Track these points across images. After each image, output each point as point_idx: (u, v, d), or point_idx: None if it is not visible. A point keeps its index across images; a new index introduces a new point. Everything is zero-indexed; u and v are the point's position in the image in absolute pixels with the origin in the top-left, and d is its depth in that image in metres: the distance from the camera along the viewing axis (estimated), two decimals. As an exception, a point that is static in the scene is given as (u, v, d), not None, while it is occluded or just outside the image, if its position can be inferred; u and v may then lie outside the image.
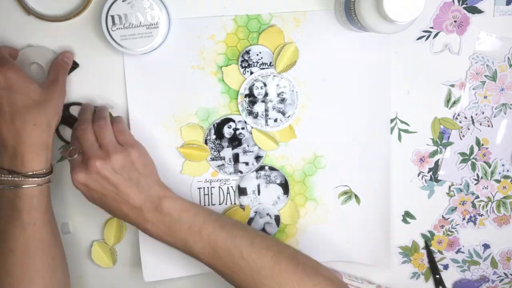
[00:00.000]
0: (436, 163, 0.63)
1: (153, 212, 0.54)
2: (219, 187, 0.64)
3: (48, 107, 0.54)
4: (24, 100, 0.52)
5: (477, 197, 0.64)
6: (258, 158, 0.63)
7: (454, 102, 0.62)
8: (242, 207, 0.64)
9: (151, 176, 0.57)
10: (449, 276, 0.67)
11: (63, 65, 0.58)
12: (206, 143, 0.63)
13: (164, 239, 0.55)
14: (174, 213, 0.54)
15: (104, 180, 0.53)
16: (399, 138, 0.63)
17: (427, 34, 0.60)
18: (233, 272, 0.53)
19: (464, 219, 0.65)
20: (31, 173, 0.53)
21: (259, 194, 0.64)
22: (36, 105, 0.53)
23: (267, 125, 0.62)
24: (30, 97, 0.53)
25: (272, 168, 0.63)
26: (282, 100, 0.61)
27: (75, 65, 0.60)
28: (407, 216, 0.65)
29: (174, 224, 0.54)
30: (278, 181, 0.64)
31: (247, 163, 0.63)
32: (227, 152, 0.63)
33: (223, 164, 0.63)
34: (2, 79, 0.51)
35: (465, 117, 0.62)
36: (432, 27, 0.60)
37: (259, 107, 0.61)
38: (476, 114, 0.62)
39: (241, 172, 0.63)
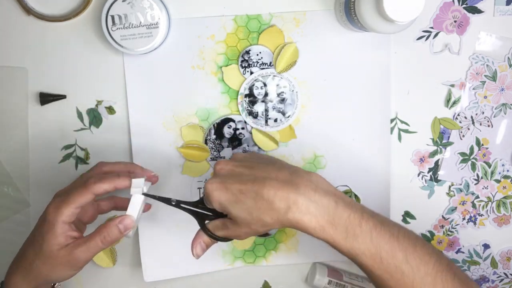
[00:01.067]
0: (436, 163, 0.63)
1: (305, 187, 0.46)
2: (219, 187, 0.64)
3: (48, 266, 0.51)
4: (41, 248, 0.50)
5: (477, 197, 0.64)
6: (258, 158, 0.63)
7: (454, 102, 0.62)
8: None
9: (285, 163, 0.52)
10: (449, 276, 0.66)
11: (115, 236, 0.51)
12: (206, 143, 0.63)
13: (323, 229, 0.46)
14: (330, 194, 0.47)
15: (235, 170, 0.49)
16: (399, 138, 0.63)
17: (427, 34, 0.60)
18: (391, 277, 0.46)
19: (464, 219, 0.65)
20: None
21: (259, 194, 0.64)
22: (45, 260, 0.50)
23: (267, 125, 0.62)
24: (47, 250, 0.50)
25: (272, 168, 0.63)
26: (282, 100, 0.61)
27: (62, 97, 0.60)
28: (407, 216, 0.65)
29: (332, 210, 0.46)
30: (278, 181, 0.64)
31: (247, 163, 0.63)
32: (227, 152, 0.63)
33: (223, 164, 0.63)
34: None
35: (465, 117, 0.62)
36: (432, 27, 0.60)
37: (259, 107, 0.61)
38: (476, 114, 0.62)
39: (241, 172, 0.63)
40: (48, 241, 0.50)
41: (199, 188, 0.64)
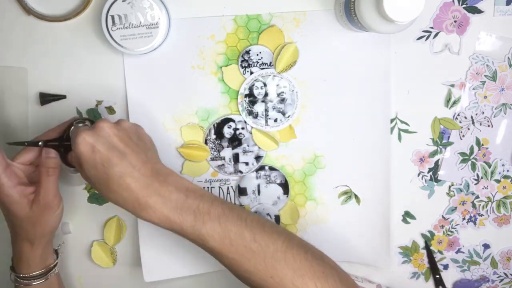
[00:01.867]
0: (436, 163, 0.63)
1: (160, 186, 0.49)
2: (219, 187, 0.64)
3: (36, 226, 0.55)
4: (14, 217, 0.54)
5: (477, 197, 0.64)
6: (258, 158, 0.63)
7: (454, 102, 0.62)
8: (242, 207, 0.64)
9: (156, 154, 0.54)
10: (449, 276, 0.66)
11: (46, 170, 0.54)
12: (206, 143, 0.63)
13: (170, 220, 0.49)
14: (181, 190, 0.50)
15: (112, 138, 0.49)
16: (399, 138, 0.63)
17: (427, 34, 0.60)
18: (243, 257, 0.49)
19: (464, 219, 0.65)
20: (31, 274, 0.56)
21: (259, 194, 0.64)
22: (26, 223, 0.54)
23: (267, 125, 0.62)
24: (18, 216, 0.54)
25: (272, 168, 0.63)
26: (282, 100, 0.61)
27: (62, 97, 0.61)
28: (407, 216, 0.65)
29: (181, 202, 0.49)
30: (278, 181, 0.64)
31: (247, 163, 0.63)
32: (227, 152, 0.63)
33: (223, 164, 0.63)
34: None
35: (465, 117, 0.62)
36: (432, 27, 0.60)
37: (259, 107, 0.61)
38: (476, 114, 0.62)
39: (241, 172, 0.63)
40: (18, 211, 0.53)
41: (199, 188, 0.64)
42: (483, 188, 0.64)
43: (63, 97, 0.62)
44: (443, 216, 0.65)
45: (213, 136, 0.62)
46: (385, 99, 0.61)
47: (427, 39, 0.60)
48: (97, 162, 0.48)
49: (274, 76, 0.61)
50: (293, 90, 0.61)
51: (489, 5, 0.59)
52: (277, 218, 0.64)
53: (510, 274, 0.67)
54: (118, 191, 0.49)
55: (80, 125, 0.55)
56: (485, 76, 0.61)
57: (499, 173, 0.64)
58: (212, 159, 0.63)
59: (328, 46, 0.60)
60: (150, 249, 0.64)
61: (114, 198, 0.49)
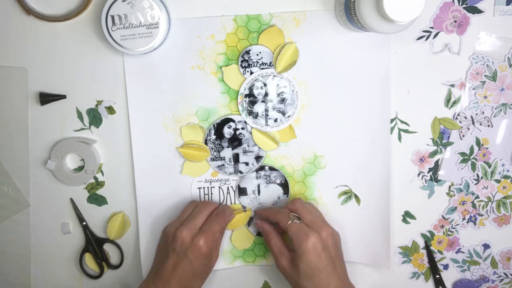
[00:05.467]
0: (436, 163, 0.63)
1: None
2: (219, 187, 0.64)
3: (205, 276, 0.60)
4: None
5: (477, 197, 0.64)
6: (258, 158, 0.63)
7: (454, 102, 0.62)
8: (244, 209, 0.64)
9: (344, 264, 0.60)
10: (449, 276, 0.67)
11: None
12: (206, 143, 0.63)
13: None
14: None
15: (331, 250, 0.56)
16: (399, 138, 0.63)
17: (427, 34, 0.60)
18: None
19: (464, 219, 0.65)
20: None
21: (259, 194, 0.64)
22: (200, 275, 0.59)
23: (267, 125, 0.62)
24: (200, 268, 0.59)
25: (272, 168, 0.63)
26: (282, 100, 0.61)
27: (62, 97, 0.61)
28: (407, 216, 0.65)
29: None
30: (278, 181, 0.64)
31: (247, 163, 0.63)
32: (227, 152, 0.63)
33: (223, 164, 0.63)
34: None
35: (465, 117, 0.62)
36: (432, 27, 0.60)
37: (259, 107, 0.61)
38: (476, 114, 0.62)
39: (241, 172, 0.63)
40: (207, 267, 0.60)
41: (199, 188, 0.64)
42: (483, 188, 0.64)
43: (63, 97, 0.62)
44: (443, 216, 0.65)
45: (213, 136, 0.62)
46: (385, 99, 0.61)
47: (427, 39, 0.60)
48: (317, 267, 0.55)
49: (274, 76, 0.61)
50: (293, 90, 0.61)
51: (489, 5, 0.59)
52: (277, 218, 0.64)
53: (510, 274, 0.67)
54: None
55: (298, 221, 0.57)
56: (485, 76, 0.61)
57: (499, 173, 0.64)
58: (212, 159, 0.63)
59: (328, 46, 0.60)
60: (150, 249, 0.64)
61: None
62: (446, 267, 0.66)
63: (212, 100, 0.62)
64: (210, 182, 0.64)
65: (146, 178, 0.63)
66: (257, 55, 0.60)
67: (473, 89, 0.61)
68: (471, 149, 0.63)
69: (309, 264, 0.55)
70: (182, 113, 0.62)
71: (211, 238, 0.58)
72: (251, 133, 0.62)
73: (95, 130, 0.63)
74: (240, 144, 0.63)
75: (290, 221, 0.57)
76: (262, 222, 0.62)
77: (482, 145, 0.63)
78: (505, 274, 0.67)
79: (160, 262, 0.58)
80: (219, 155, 0.63)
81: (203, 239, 0.57)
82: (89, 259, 0.65)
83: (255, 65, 0.60)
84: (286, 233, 0.58)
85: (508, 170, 0.64)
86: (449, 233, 0.65)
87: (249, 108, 0.62)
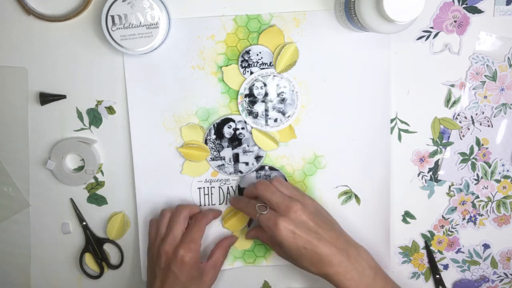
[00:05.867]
0: (436, 163, 0.63)
1: (355, 260, 0.55)
2: (219, 187, 0.64)
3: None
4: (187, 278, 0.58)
5: (477, 197, 0.64)
6: (258, 158, 0.63)
7: (454, 102, 0.62)
8: None
9: (337, 222, 0.59)
10: (449, 276, 0.66)
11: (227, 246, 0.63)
12: (206, 143, 0.63)
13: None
14: (372, 267, 0.56)
15: (308, 223, 0.55)
16: (399, 138, 0.63)
17: (427, 34, 0.60)
18: None
19: (464, 219, 0.65)
20: None
21: (259, 194, 0.64)
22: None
23: (267, 125, 0.62)
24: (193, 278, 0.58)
25: (272, 168, 0.63)
26: (282, 100, 0.61)
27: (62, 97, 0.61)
28: (407, 216, 0.65)
29: (371, 279, 0.55)
30: (278, 181, 0.64)
31: (247, 163, 0.63)
32: (227, 152, 0.63)
33: (223, 164, 0.63)
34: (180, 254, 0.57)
35: (465, 117, 0.62)
36: (432, 27, 0.60)
37: (259, 107, 0.61)
38: (476, 114, 0.62)
39: (241, 172, 0.63)
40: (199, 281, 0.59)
41: (199, 188, 0.64)
42: (483, 188, 0.64)
43: (63, 97, 0.62)
44: (443, 216, 0.65)
45: (213, 136, 0.62)
46: (385, 99, 0.61)
47: (427, 39, 0.60)
48: (299, 246, 0.54)
49: (274, 76, 0.61)
50: (293, 90, 0.61)
51: (489, 5, 0.59)
52: (277, 218, 0.64)
53: (510, 274, 0.67)
54: (320, 264, 0.54)
55: (264, 212, 0.56)
56: (485, 76, 0.61)
57: (499, 173, 0.64)
58: (212, 159, 0.63)
59: (328, 46, 0.60)
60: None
61: (315, 268, 0.55)
62: (446, 267, 0.66)
63: (212, 100, 0.62)
64: (210, 182, 0.64)
65: (146, 178, 0.63)
66: (257, 55, 0.60)
67: (473, 89, 0.61)
68: (471, 149, 0.63)
69: (290, 248, 0.54)
70: (182, 113, 0.62)
71: (192, 247, 0.57)
72: (251, 133, 0.62)
73: (95, 130, 0.63)
74: (240, 144, 0.63)
75: (258, 214, 0.56)
76: (251, 231, 0.63)
77: (482, 145, 0.63)
78: (505, 274, 0.67)
79: (150, 285, 0.59)
80: (219, 155, 0.63)
81: (183, 249, 0.56)
82: (89, 259, 0.65)
83: (255, 65, 0.60)
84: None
85: (508, 170, 0.64)
86: (449, 233, 0.65)
87: (249, 108, 0.62)
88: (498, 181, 0.64)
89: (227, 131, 0.62)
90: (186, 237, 0.58)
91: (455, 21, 0.60)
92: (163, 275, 0.57)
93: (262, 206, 0.57)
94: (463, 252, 0.66)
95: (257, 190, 0.58)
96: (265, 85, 0.61)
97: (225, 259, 0.63)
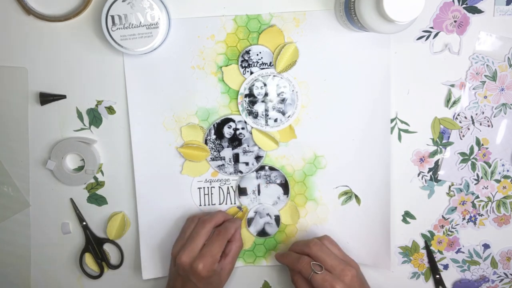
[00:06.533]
0: (436, 163, 0.63)
1: None
2: (219, 187, 0.64)
3: None
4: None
5: (477, 197, 0.64)
6: (258, 158, 0.63)
7: (454, 102, 0.62)
8: (239, 208, 0.64)
9: None
10: (449, 276, 0.66)
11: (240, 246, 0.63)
12: (206, 143, 0.63)
13: None
14: None
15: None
16: (399, 138, 0.63)
17: (427, 34, 0.60)
18: None
19: (464, 219, 0.65)
20: None
21: (259, 194, 0.64)
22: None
23: (267, 125, 0.62)
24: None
25: (272, 168, 0.63)
26: (282, 100, 0.61)
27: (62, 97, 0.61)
28: (407, 216, 0.65)
29: None
30: (278, 181, 0.64)
31: (247, 163, 0.63)
32: (227, 152, 0.63)
33: (223, 164, 0.63)
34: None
35: (465, 117, 0.62)
36: (432, 27, 0.60)
37: (259, 107, 0.61)
38: (476, 114, 0.62)
39: (241, 172, 0.63)
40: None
41: (199, 188, 0.64)
42: (483, 188, 0.64)
43: (63, 97, 0.62)
44: (443, 216, 0.65)
45: (213, 136, 0.62)
46: (385, 99, 0.61)
47: (427, 39, 0.60)
48: None
49: (274, 76, 0.61)
50: (293, 90, 0.61)
51: (489, 5, 0.59)
52: (277, 218, 0.64)
53: (510, 274, 0.67)
54: None
55: (319, 272, 0.56)
56: (485, 76, 0.61)
57: (499, 173, 0.64)
58: (212, 159, 0.63)
59: (328, 46, 0.60)
60: (150, 249, 0.64)
61: None
62: (446, 267, 0.66)
63: (212, 100, 0.62)
64: (210, 182, 0.64)
65: (146, 178, 0.63)
66: (257, 55, 0.60)
67: (473, 89, 0.61)
68: (471, 149, 0.63)
69: None
70: (182, 113, 0.62)
71: (210, 261, 0.57)
72: (251, 133, 0.62)
73: (95, 130, 0.63)
74: (240, 144, 0.63)
75: (312, 272, 0.56)
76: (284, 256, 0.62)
77: (482, 145, 0.63)
78: (505, 274, 0.67)
79: (171, 284, 0.59)
80: (219, 155, 0.63)
81: (201, 264, 0.56)
82: (89, 259, 0.65)
83: (255, 65, 0.60)
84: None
85: (508, 170, 0.64)
86: (449, 233, 0.65)
87: (249, 108, 0.62)
88: (498, 181, 0.64)
89: (227, 131, 0.62)
90: (206, 251, 0.57)
91: (455, 21, 0.60)
92: (182, 281, 0.58)
93: (317, 265, 0.57)
94: (463, 252, 0.66)
95: (311, 250, 0.58)
96: (265, 85, 0.61)
97: (242, 246, 0.63)
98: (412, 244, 0.66)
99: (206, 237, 0.59)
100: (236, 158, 0.63)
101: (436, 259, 0.66)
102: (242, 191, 0.64)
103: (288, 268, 0.61)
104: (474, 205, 0.64)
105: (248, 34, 0.60)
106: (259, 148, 0.63)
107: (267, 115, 0.62)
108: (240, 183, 0.64)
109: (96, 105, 0.62)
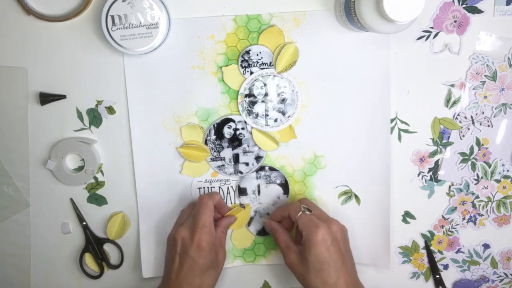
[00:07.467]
0: (436, 163, 0.63)
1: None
2: (219, 187, 0.64)
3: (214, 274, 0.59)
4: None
5: (477, 197, 0.64)
6: (258, 158, 0.63)
7: (454, 102, 0.62)
8: (242, 205, 0.64)
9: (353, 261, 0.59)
10: (449, 276, 0.67)
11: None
12: (206, 143, 0.63)
13: None
14: None
15: (340, 244, 0.56)
16: (399, 138, 0.63)
17: (427, 34, 0.60)
18: None
19: (464, 219, 0.65)
20: None
21: (259, 194, 0.64)
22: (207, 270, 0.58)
23: (267, 125, 0.62)
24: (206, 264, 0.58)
25: (272, 168, 0.63)
26: (282, 100, 0.61)
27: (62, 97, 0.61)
28: (407, 216, 0.65)
29: None
30: (278, 181, 0.64)
31: (247, 164, 0.63)
32: (227, 153, 0.63)
33: (223, 165, 0.63)
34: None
35: (465, 117, 0.62)
36: (432, 27, 0.60)
37: (259, 107, 0.61)
38: (476, 114, 0.62)
39: (241, 172, 0.63)
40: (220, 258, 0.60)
41: (199, 188, 0.64)
42: (483, 188, 0.64)
43: (63, 97, 0.62)
44: (443, 216, 0.65)
45: (213, 136, 0.62)
46: (385, 99, 0.61)
47: (427, 39, 0.60)
48: (326, 260, 0.54)
49: (274, 76, 0.61)
50: (293, 90, 0.61)
51: (489, 5, 0.59)
52: (277, 218, 0.64)
53: (510, 274, 0.67)
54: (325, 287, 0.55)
55: (308, 213, 0.58)
56: (485, 76, 0.61)
57: (499, 173, 0.64)
58: (212, 159, 0.63)
59: (328, 46, 0.60)
60: (150, 249, 0.64)
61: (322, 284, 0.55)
62: (446, 267, 0.66)
63: (212, 100, 0.62)
64: (210, 182, 0.64)
65: (146, 178, 0.63)
66: (257, 55, 0.60)
67: (473, 89, 0.61)
68: (471, 149, 0.63)
69: (318, 256, 0.54)
70: (182, 113, 0.62)
71: (207, 231, 0.57)
72: (251, 133, 0.62)
73: (95, 130, 0.63)
74: (240, 144, 0.63)
75: (300, 212, 0.57)
76: (270, 220, 0.62)
77: (482, 145, 0.63)
78: (505, 274, 0.67)
79: (167, 269, 0.59)
80: (219, 155, 0.63)
81: (201, 234, 0.56)
82: (89, 259, 0.65)
83: (255, 65, 0.60)
84: (293, 228, 0.58)
85: (508, 170, 0.64)
86: (449, 233, 0.65)
87: (249, 108, 0.62)
88: (498, 181, 0.64)
89: (227, 131, 0.62)
90: (204, 223, 0.57)
91: (455, 21, 0.60)
92: (180, 260, 0.57)
93: (306, 208, 0.58)
94: (463, 252, 0.66)
95: (303, 200, 0.61)
96: (265, 85, 0.61)
97: (226, 230, 0.63)
98: (412, 244, 0.66)
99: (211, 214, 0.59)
100: (236, 158, 0.63)
101: (436, 259, 0.66)
102: (242, 191, 0.64)
103: (272, 231, 0.62)
104: (474, 205, 0.64)
105: (248, 34, 0.60)
106: (259, 148, 0.63)
107: (267, 115, 0.62)
108: (240, 183, 0.64)
109: (96, 105, 0.62)
